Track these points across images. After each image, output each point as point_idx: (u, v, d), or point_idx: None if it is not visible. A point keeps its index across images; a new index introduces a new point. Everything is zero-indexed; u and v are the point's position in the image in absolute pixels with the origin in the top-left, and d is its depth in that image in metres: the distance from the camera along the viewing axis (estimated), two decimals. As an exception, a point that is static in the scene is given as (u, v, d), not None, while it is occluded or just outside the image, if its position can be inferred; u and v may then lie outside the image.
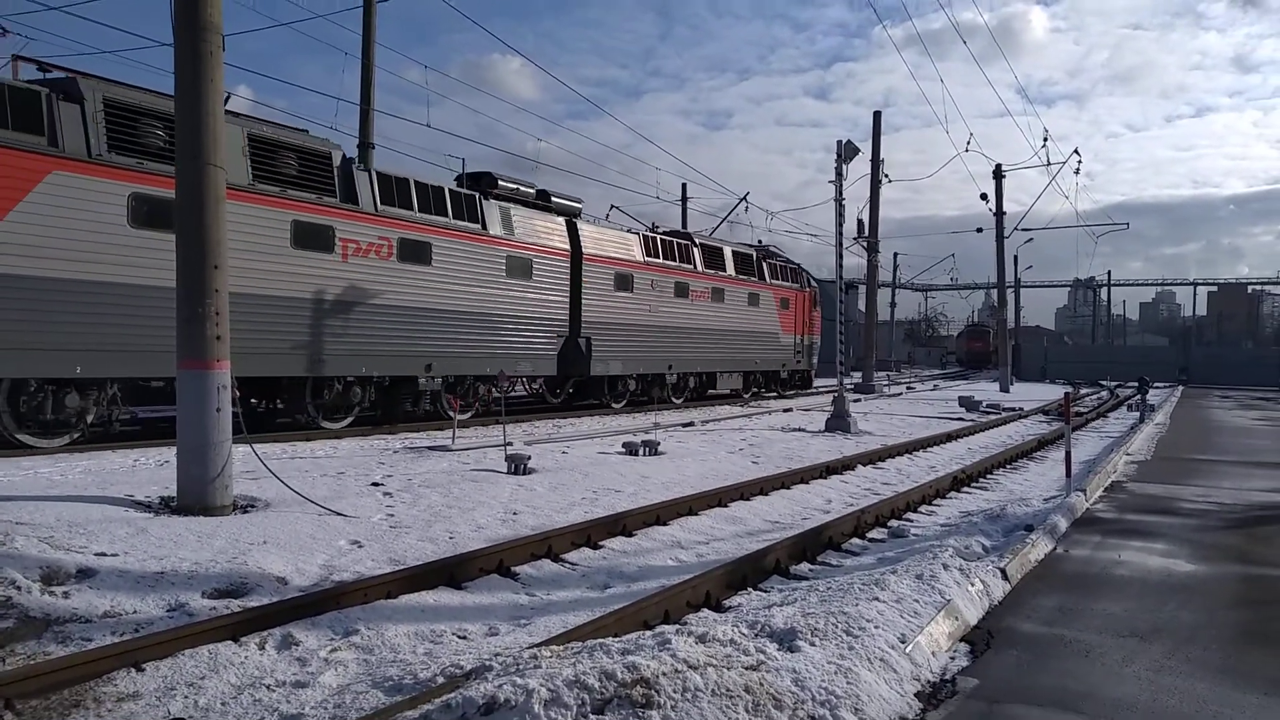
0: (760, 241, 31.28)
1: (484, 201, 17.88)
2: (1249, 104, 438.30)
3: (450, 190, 17.17)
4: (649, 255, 22.85)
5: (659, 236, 23.84)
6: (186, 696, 4.35)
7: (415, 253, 16.15)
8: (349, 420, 15.52)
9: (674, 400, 24.59)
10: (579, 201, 21.24)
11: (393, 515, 8.09)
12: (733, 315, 26.37)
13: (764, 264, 28.68)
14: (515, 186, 19.21)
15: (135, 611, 5.38)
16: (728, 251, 26.68)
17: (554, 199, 20.32)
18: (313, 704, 4.29)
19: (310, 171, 14.43)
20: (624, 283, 21.66)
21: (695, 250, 24.91)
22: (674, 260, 23.88)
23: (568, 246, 20.03)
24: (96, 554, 6.21)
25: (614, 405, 22.06)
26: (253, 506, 8.11)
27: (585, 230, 20.76)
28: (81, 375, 11.67)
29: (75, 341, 11.49)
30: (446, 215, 16.86)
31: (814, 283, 32.65)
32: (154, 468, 10.15)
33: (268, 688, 4.49)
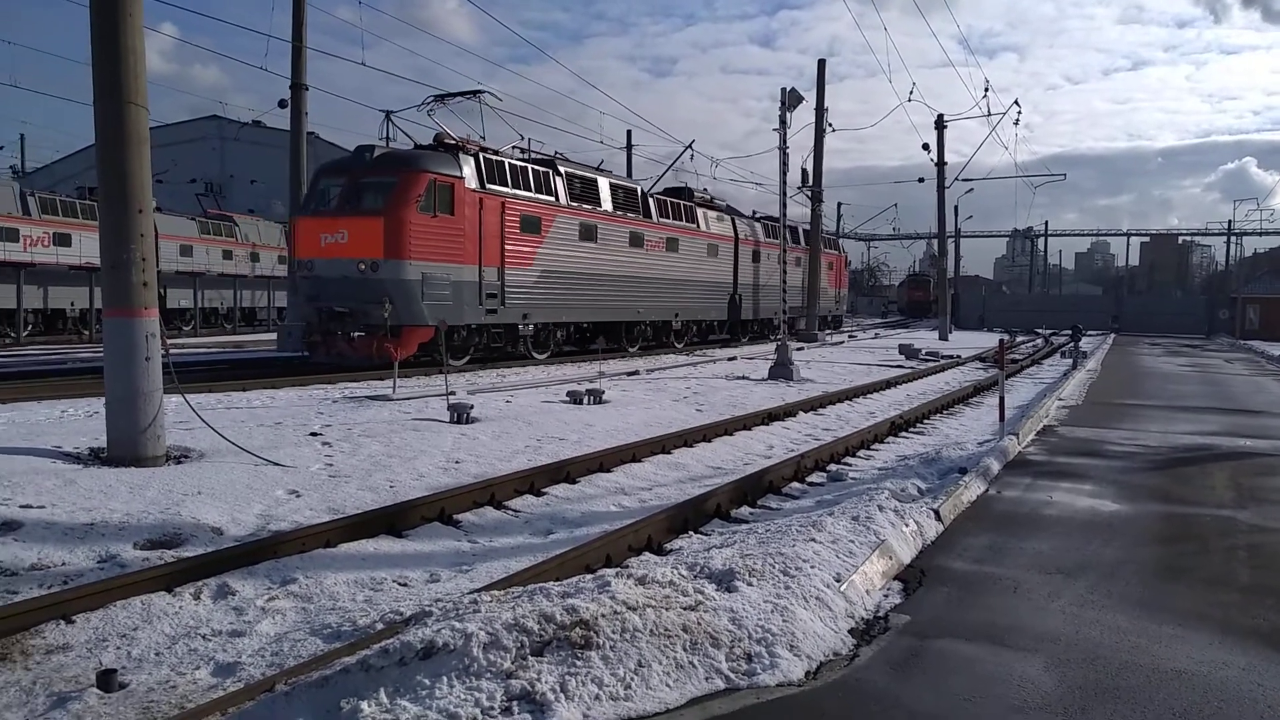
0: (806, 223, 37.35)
1: (696, 209, 27.50)
2: (1183, 58, 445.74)
3: (684, 204, 26.95)
4: (766, 236, 31.92)
5: (768, 222, 32.05)
6: (119, 648, 4.28)
7: (673, 245, 25.74)
8: (637, 347, 24.59)
9: (774, 337, 32.51)
10: (724, 200, 31.54)
11: (332, 465, 7.99)
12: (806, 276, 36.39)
13: (820, 238, 38.42)
14: (702, 195, 29.33)
15: (64, 564, 5.26)
16: (800, 230, 35.80)
17: (715, 200, 30.25)
18: (250, 652, 4.25)
19: (631, 199, 23.87)
20: (755, 256, 31.34)
21: (785, 230, 31.49)
22: (773, 238, 31.33)
23: (731, 234, 29.79)
24: (22, 506, 6.04)
25: (741, 339, 31.38)
26: (186, 457, 7.95)
27: (738, 222, 30.68)
28: (564, 320, 21.12)
29: (566, 303, 20.77)
30: (682, 220, 26.51)
31: (845, 249, 43.82)
32: (83, 418, 9.88)
33: (203, 637, 4.44)
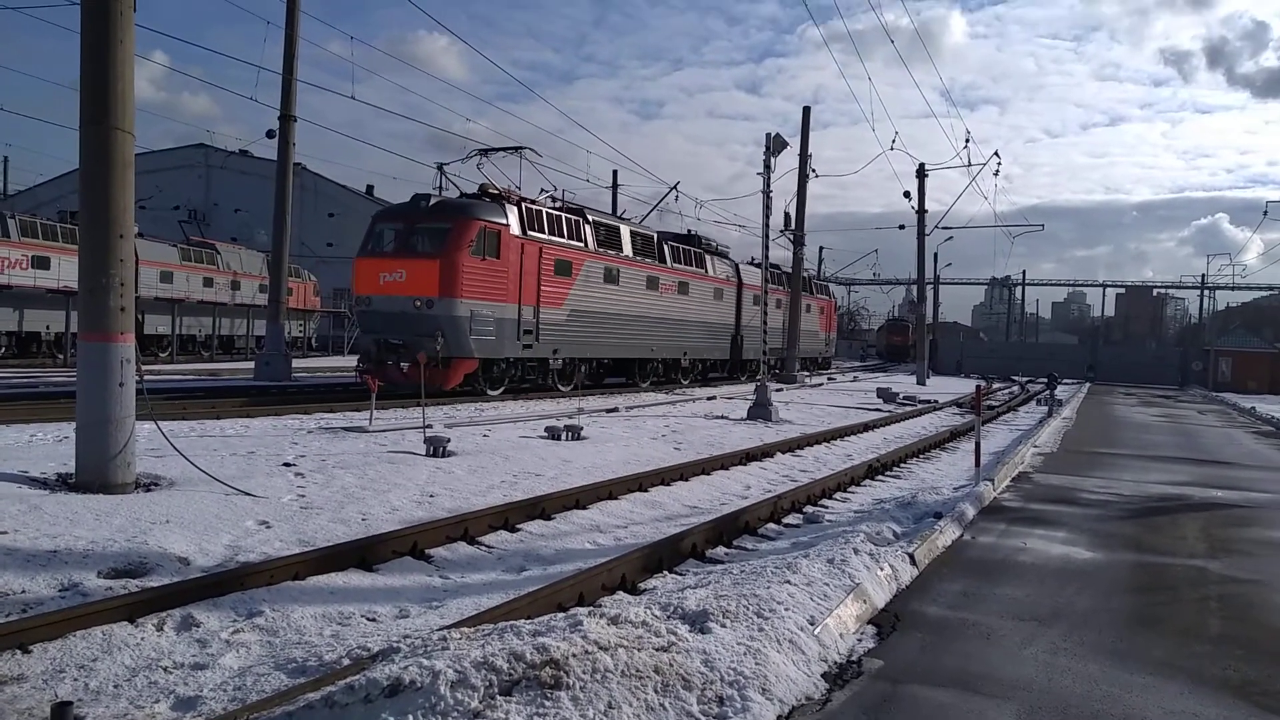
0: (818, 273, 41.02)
1: (704, 255, 29.40)
2: (1158, 116, 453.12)
3: (694, 250, 28.78)
4: (763, 281, 33.86)
5: (768, 269, 34.14)
6: (76, 679, 4.18)
7: (683, 288, 27.39)
8: (648, 383, 26.19)
9: (757, 378, 34.48)
10: (728, 246, 33.82)
11: (304, 496, 7.89)
12: (803, 319, 38.34)
13: (813, 284, 41.93)
14: (708, 241, 30.99)
15: (24, 591, 5.14)
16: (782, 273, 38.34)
17: (719, 246, 32.11)
18: (212, 686, 4.16)
19: (648, 245, 25.73)
20: (755, 300, 31.00)
21: (767, 273, 32.15)
22: (772, 282, 32.85)
23: (735, 279, 31.86)
24: (-16, 532, 5.91)
25: (740, 377, 32.52)
26: (156, 485, 7.83)
27: (742, 268, 32.68)
28: (589, 356, 22.76)
29: (591, 339, 22.43)
30: (692, 265, 28.28)
31: (834, 294, 47.31)
32: (52, 443, 9.73)
33: (165, 670, 4.34)
